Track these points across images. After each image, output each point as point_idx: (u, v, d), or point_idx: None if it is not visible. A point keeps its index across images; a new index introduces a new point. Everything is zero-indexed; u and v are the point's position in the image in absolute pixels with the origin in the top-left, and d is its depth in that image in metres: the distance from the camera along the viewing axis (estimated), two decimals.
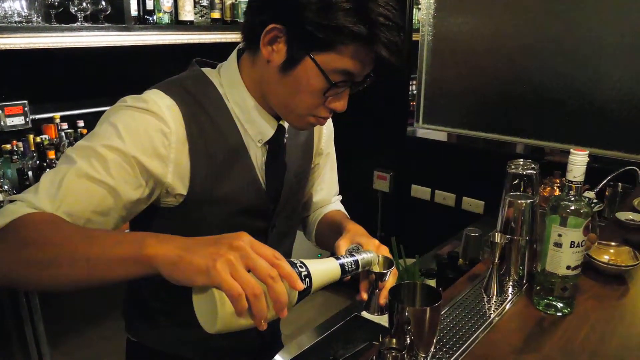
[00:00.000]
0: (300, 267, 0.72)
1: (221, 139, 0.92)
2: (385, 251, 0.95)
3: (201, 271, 0.62)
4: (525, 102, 2.47)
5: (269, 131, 0.97)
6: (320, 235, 1.21)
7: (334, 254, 0.93)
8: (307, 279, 0.72)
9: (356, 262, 0.82)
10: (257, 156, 0.98)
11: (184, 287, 0.66)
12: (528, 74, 2.43)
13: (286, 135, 1.02)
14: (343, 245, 0.94)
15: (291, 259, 0.73)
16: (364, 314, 1.39)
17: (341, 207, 1.27)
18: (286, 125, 1.01)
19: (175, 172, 0.88)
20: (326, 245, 1.16)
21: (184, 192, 0.90)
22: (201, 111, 0.90)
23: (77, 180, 0.78)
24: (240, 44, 0.95)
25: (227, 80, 0.94)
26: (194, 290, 0.67)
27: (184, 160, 0.89)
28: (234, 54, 0.96)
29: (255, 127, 0.95)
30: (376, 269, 0.91)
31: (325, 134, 1.18)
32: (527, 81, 2.44)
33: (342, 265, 0.80)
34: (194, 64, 0.97)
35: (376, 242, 0.96)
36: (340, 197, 1.32)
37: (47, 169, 1.95)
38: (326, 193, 1.25)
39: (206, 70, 0.96)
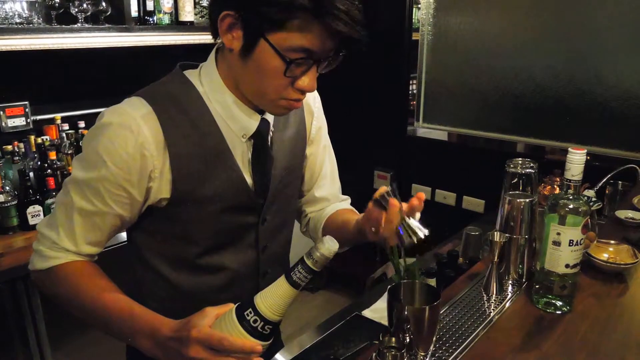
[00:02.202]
0: (250, 315, 0.75)
1: (202, 140, 0.93)
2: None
3: None
4: (525, 100, 2.47)
5: (252, 125, 0.97)
6: (330, 231, 1.17)
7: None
8: (264, 325, 0.75)
9: (308, 268, 0.75)
10: (243, 152, 0.98)
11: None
12: (528, 72, 2.43)
13: (272, 129, 1.02)
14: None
15: (244, 311, 0.76)
16: (364, 313, 1.40)
17: (350, 207, 1.25)
18: (270, 119, 1.01)
19: (159, 178, 0.92)
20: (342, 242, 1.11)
21: (168, 196, 0.93)
22: (181, 114, 0.92)
23: (82, 219, 0.92)
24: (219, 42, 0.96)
25: (207, 79, 0.95)
26: None
27: (166, 165, 0.91)
28: (212, 52, 0.97)
29: (237, 122, 0.96)
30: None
31: (315, 125, 1.17)
32: (527, 80, 2.44)
33: (295, 284, 0.75)
34: (177, 67, 0.99)
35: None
36: (349, 199, 1.29)
37: (49, 170, 1.96)
38: (330, 187, 1.23)
39: (187, 72, 0.97)
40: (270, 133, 1.02)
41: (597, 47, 2.23)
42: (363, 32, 0.84)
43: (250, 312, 0.75)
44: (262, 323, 0.74)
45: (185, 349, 0.76)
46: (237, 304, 0.78)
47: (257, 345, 0.75)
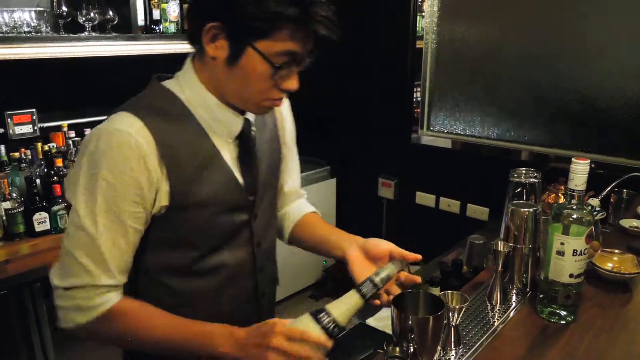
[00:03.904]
0: (324, 318, 0.87)
1: (191, 146, 0.96)
2: (398, 252, 1.05)
3: None
4: (529, 108, 2.47)
5: (236, 126, 1.01)
6: (302, 241, 1.24)
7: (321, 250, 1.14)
8: (334, 327, 0.87)
9: (374, 284, 0.91)
10: (231, 153, 1.02)
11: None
12: (532, 80, 2.44)
13: (253, 128, 1.06)
14: (363, 271, 1.03)
15: (317, 314, 0.88)
16: (369, 321, 1.40)
17: (314, 208, 1.30)
18: (251, 118, 1.04)
19: (160, 188, 0.94)
20: (309, 249, 1.23)
21: (167, 203, 0.95)
22: (168, 124, 0.94)
23: (109, 248, 0.92)
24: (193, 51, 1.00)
25: (187, 86, 0.98)
26: None
27: (164, 175, 0.94)
28: (188, 60, 1.01)
29: (222, 124, 0.99)
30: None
31: (287, 125, 1.22)
32: (531, 87, 2.45)
33: (364, 295, 0.90)
34: (154, 79, 1.02)
35: (385, 249, 1.05)
36: (306, 195, 1.34)
37: (55, 177, 1.97)
38: (292, 183, 1.28)
39: (166, 82, 1.00)
40: (253, 133, 1.06)
41: (601, 55, 2.23)
42: (339, 32, 0.90)
43: (324, 316, 0.87)
44: (333, 325, 0.87)
45: (267, 340, 0.85)
46: (310, 312, 0.89)
47: (328, 341, 0.86)
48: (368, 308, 1.46)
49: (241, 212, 1.05)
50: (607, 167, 2.24)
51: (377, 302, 1.00)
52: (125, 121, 0.91)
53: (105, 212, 0.90)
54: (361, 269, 1.04)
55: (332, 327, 0.87)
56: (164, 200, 0.95)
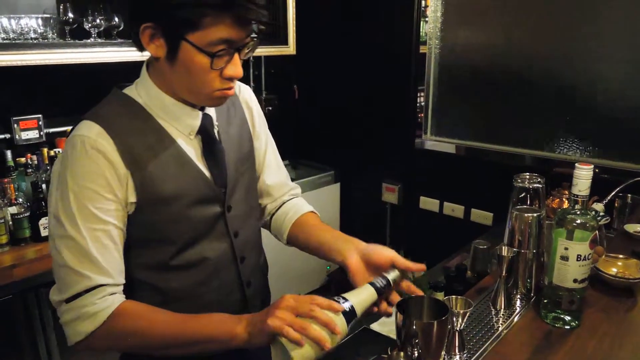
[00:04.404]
0: (344, 301, 0.90)
1: (152, 145, 0.99)
2: (401, 262, 1.04)
3: (264, 333, 0.86)
4: (532, 113, 2.47)
5: (195, 122, 1.03)
6: (300, 243, 1.23)
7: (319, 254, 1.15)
8: (350, 307, 0.89)
9: (388, 281, 0.98)
10: (195, 149, 1.05)
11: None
12: (535, 85, 2.44)
13: (216, 123, 1.09)
14: (365, 279, 1.03)
15: (334, 297, 0.90)
16: (373, 326, 1.40)
17: (312, 208, 1.29)
18: (212, 113, 1.07)
19: (128, 184, 0.97)
20: (307, 251, 1.21)
21: (134, 200, 0.98)
22: (127, 125, 0.98)
23: (100, 246, 0.94)
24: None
25: (144, 90, 1.02)
26: (271, 348, 0.89)
27: (128, 172, 0.97)
28: (143, 68, 1.03)
29: (181, 122, 1.02)
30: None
31: (256, 118, 1.22)
32: (534, 92, 2.45)
33: (377, 289, 0.96)
34: (114, 88, 1.06)
35: (387, 257, 1.05)
36: (298, 187, 1.33)
37: None
38: (276, 176, 1.28)
39: (125, 89, 1.04)
40: (216, 128, 1.09)
41: (606, 60, 2.23)
42: (268, 15, 0.93)
43: (341, 299, 0.90)
44: (348, 304, 0.89)
45: (276, 304, 0.88)
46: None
47: (339, 306, 0.87)
48: (371, 313, 1.46)
49: (213, 205, 1.07)
50: (611, 172, 2.23)
51: (376, 309, 0.99)
52: (85, 127, 0.95)
53: (84, 215, 0.93)
54: (363, 278, 1.04)
55: (342, 301, 0.89)
56: (131, 197, 0.97)
